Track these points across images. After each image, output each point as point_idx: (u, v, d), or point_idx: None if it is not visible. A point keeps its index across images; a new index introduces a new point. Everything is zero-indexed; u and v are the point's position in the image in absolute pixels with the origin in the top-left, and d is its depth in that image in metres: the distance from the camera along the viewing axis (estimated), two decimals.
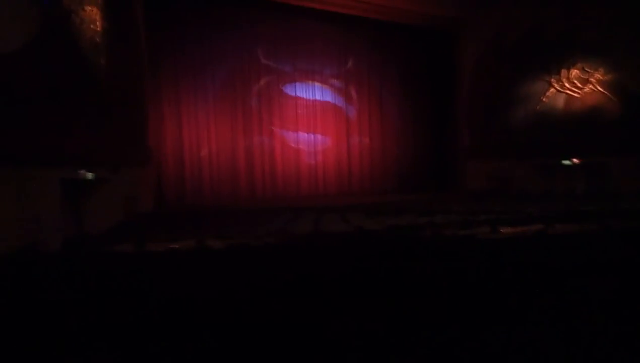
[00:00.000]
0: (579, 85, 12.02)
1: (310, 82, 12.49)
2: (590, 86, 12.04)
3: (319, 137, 12.54)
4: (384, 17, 12.10)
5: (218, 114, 11.33)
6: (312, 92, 12.49)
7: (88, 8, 6.27)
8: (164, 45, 10.69)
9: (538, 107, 12.14)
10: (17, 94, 4.41)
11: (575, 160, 11.77)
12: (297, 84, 12.30)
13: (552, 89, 12.08)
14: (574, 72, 12.00)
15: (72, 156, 5.59)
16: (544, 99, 12.09)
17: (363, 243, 5.56)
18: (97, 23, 6.48)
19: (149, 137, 9.33)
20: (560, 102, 12.06)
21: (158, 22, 10.32)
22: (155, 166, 10.26)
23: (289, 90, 12.19)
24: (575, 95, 12.06)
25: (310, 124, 12.42)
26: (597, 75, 12.05)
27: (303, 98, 12.39)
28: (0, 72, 4.17)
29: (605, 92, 12.11)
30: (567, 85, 12.04)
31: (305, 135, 12.37)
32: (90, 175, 6.20)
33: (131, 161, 8.01)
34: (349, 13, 11.95)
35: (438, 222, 6.61)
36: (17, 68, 4.43)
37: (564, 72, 12.01)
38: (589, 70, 12.04)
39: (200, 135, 11.17)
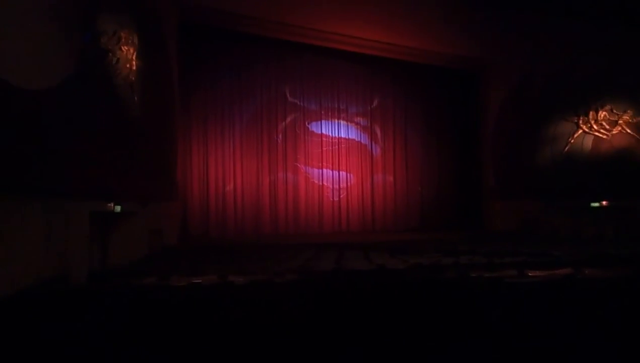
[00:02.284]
0: (607, 127, 11.90)
1: (335, 120, 12.66)
2: (619, 128, 11.91)
3: (343, 174, 12.60)
4: (410, 58, 12.29)
5: (244, 149, 11.55)
6: (337, 130, 12.64)
7: (125, 48, 6.56)
8: (194, 81, 11.06)
9: (565, 149, 12.02)
10: (50, 128, 4.57)
11: (604, 202, 11.51)
12: (323, 121, 12.48)
13: (580, 131, 11.97)
14: (602, 113, 11.91)
15: (102, 189, 5.74)
16: (571, 141, 11.98)
17: (385, 282, 5.50)
18: (133, 62, 6.76)
19: (176, 172, 9.53)
20: (588, 143, 11.93)
21: (190, 59, 10.72)
22: (181, 200, 10.44)
23: (314, 127, 12.38)
24: (603, 137, 11.92)
25: (335, 161, 12.51)
26: (626, 117, 11.95)
27: (328, 135, 12.54)
28: (36, 107, 4.33)
29: (634, 134, 11.96)
30: (595, 126, 11.93)
31: (330, 172, 12.45)
32: (118, 208, 6.34)
33: (158, 195, 8.17)
34: (375, 54, 12.18)
35: (463, 263, 6.49)
36: (52, 103, 4.61)
37: (592, 113, 11.92)
38: (617, 112, 11.93)
39: (226, 170, 11.37)
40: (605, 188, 11.51)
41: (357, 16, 11.43)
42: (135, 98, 6.94)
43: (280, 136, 11.96)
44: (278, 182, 11.81)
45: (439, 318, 3.51)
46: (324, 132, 12.46)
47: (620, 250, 7.72)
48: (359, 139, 12.89)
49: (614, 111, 11.90)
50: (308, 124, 12.30)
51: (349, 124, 12.76)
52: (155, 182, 7.91)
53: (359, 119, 12.89)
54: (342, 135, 12.68)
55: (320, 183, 12.31)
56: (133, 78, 6.83)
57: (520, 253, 7.43)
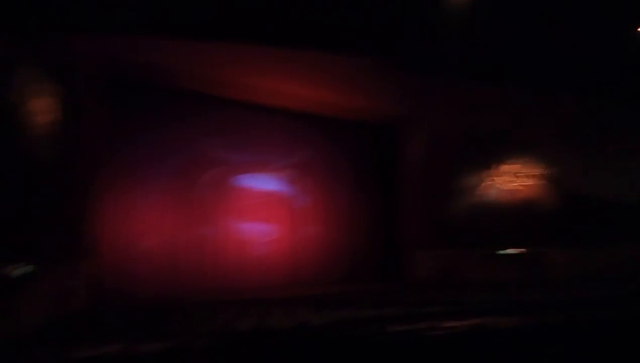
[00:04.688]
0: (515, 178, 12.84)
1: (260, 172, 12.64)
2: (526, 179, 12.90)
3: (269, 227, 12.50)
4: (333, 112, 12.68)
5: (165, 204, 11.19)
6: (262, 183, 12.60)
7: (40, 100, 6.31)
8: (116, 133, 10.74)
9: (479, 199, 12.76)
10: None
11: (516, 249, 12.23)
12: (247, 174, 12.42)
13: (492, 182, 12.82)
14: (510, 166, 12.88)
15: (4, 249, 5.32)
16: (483, 192, 12.76)
17: (307, 339, 5.44)
18: (49, 115, 6.50)
19: (90, 228, 9.06)
20: (499, 194, 12.77)
21: (114, 110, 10.48)
22: (95, 258, 9.86)
23: (238, 181, 12.28)
24: (512, 188, 12.83)
25: (260, 214, 12.39)
26: (531, 170, 12.98)
27: (253, 189, 12.46)
28: None
29: (540, 184, 12.99)
30: (504, 178, 12.83)
31: (255, 225, 12.31)
32: (24, 270, 5.87)
33: (69, 253, 7.70)
34: (299, 108, 12.47)
35: (384, 315, 6.57)
36: None
37: (500, 166, 12.85)
38: (523, 165, 12.96)
39: (145, 226, 10.93)
40: (516, 235, 12.27)
41: (282, 71, 11.73)
42: (50, 152, 6.63)
43: (202, 190, 11.74)
44: (201, 236, 11.50)
45: None
46: (248, 185, 12.39)
47: (529, 296, 8.18)
48: (285, 192, 12.92)
49: (520, 164, 12.91)
50: (232, 177, 12.19)
51: (274, 176, 12.78)
52: (65, 240, 7.46)
53: (284, 172, 12.96)
54: (267, 188, 12.65)
55: (245, 237, 12.12)
56: (48, 131, 6.55)
57: (438, 303, 7.66)
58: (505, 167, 12.84)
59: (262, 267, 12.23)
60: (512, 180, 12.93)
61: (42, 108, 6.31)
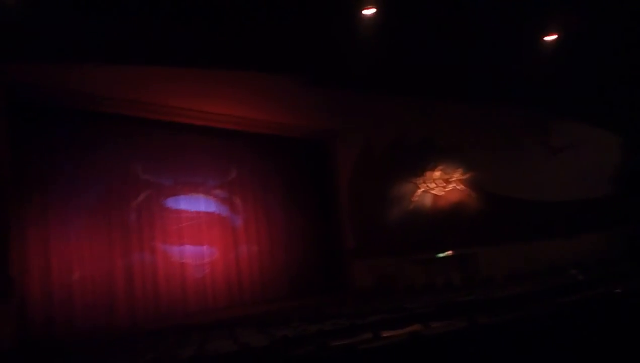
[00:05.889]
0: (442, 184, 13.41)
1: (193, 194, 12.37)
2: (452, 185, 13.49)
3: (206, 249, 12.23)
4: (263, 130, 12.68)
5: (92, 233, 10.68)
6: (196, 204, 12.35)
7: None
8: (31, 161, 10.21)
9: (410, 206, 13.20)
10: None
11: (448, 252, 12.73)
12: (180, 196, 12.12)
13: (420, 190, 13.30)
14: (437, 173, 13.44)
15: None
16: (414, 199, 13.21)
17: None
18: None
19: (10, 266, 8.47)
20: (428, 200, 13.28)
21: (26, 138, 9.92)
22: (18, 296, 9.22)
23: (171, 203, 11.95)
24: (440, 193, 13.38)
25: (195, 236, 12.12)
26: (457, 175, 13.59)
27: (186, 210, 12.17)
28: None
29: (466, 189, 13.62)
30: (431, 185, 13.36)
31: (191, 248, 12.00)
32: None
33: None
34: (229, 127, 12.37)
35: (327, 330, 6.57)
36: None
37: (428, 173, 13.39)
38: (449, 171, 13.56)
39: (72, 258, 10.37)
40: (447, 239, 12.79)
41: (209, 92, 11.66)
42: None
43: (133, 215, 11.31)
44: (133, 264, 11.04)
45: None
46: (181, 207, 12.08)
47: (464, 297, 8.51)
48: (220, 212, 12.71)
49: (446, 170, 13.52)
50: (164, 200, 11.84)
51: (207, 197, 12.55)
52: None
53: (218, 192, 12.76)
54: (202, 209, 12.40)
55: (182, 261, 11.77)
56: None
57: (380, 311, 7.78)
58: (433, 174, 13.40)
59: (201, 290, 11.95)
60: (441, 185, 13.50)
61: None
